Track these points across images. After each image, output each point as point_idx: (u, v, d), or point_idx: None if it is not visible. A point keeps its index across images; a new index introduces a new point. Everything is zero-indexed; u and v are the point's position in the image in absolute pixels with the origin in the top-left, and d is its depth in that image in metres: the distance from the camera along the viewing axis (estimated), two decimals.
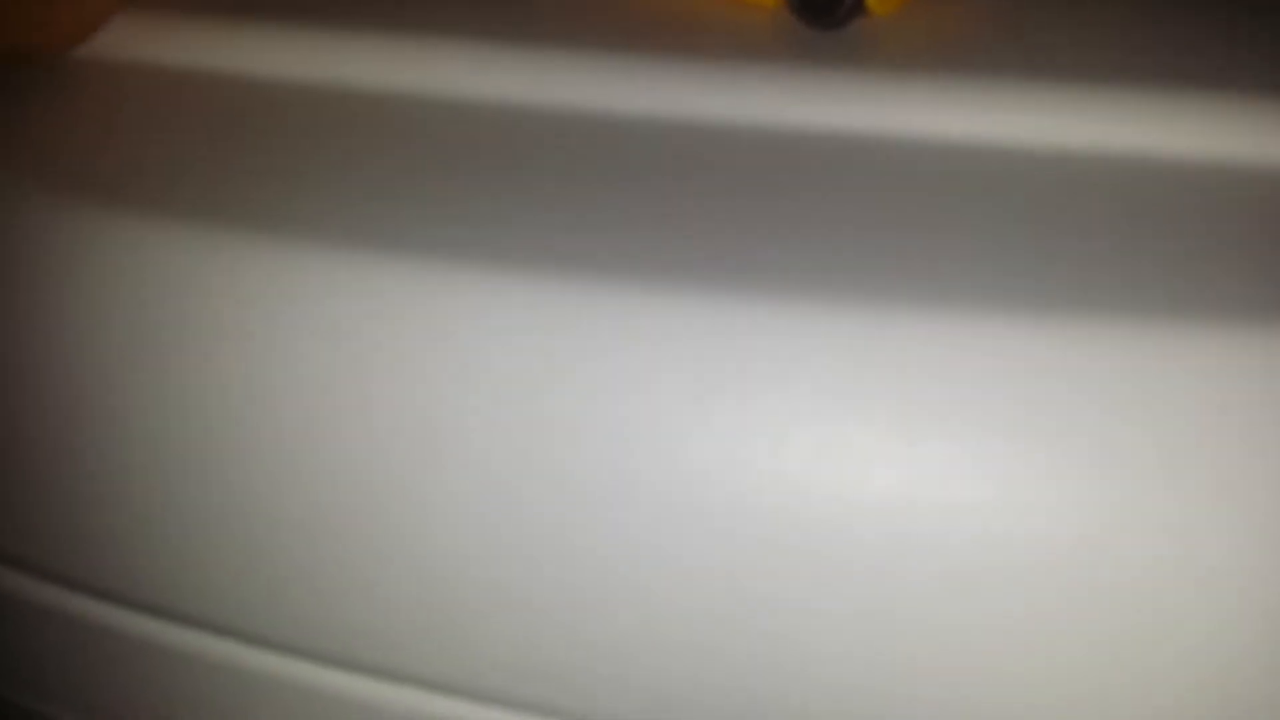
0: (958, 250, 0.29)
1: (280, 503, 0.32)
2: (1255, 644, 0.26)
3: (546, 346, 0.29)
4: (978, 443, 0.27)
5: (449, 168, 0.33)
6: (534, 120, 0.35)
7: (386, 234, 0.31)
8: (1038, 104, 0.33)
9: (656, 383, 0.28)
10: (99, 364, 0.33)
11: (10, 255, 0.34)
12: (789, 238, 0.30)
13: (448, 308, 0.30)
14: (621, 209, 0.31)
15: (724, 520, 0.28)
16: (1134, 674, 0.27)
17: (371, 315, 0.30)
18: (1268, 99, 0.33)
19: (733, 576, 0.28)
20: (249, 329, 0.31)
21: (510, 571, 0.30)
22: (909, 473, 0.27)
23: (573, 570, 0.29)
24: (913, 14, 0.39)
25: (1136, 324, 0.27)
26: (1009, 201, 0.31)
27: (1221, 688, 0.27)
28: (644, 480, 0.28)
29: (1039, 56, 0.35)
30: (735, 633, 0.29)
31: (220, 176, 0.34)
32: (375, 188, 0.33)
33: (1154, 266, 0.29)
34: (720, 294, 0.29)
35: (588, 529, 0.29)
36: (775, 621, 0.28)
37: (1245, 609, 0.26)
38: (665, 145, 0.34)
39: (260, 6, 0.40)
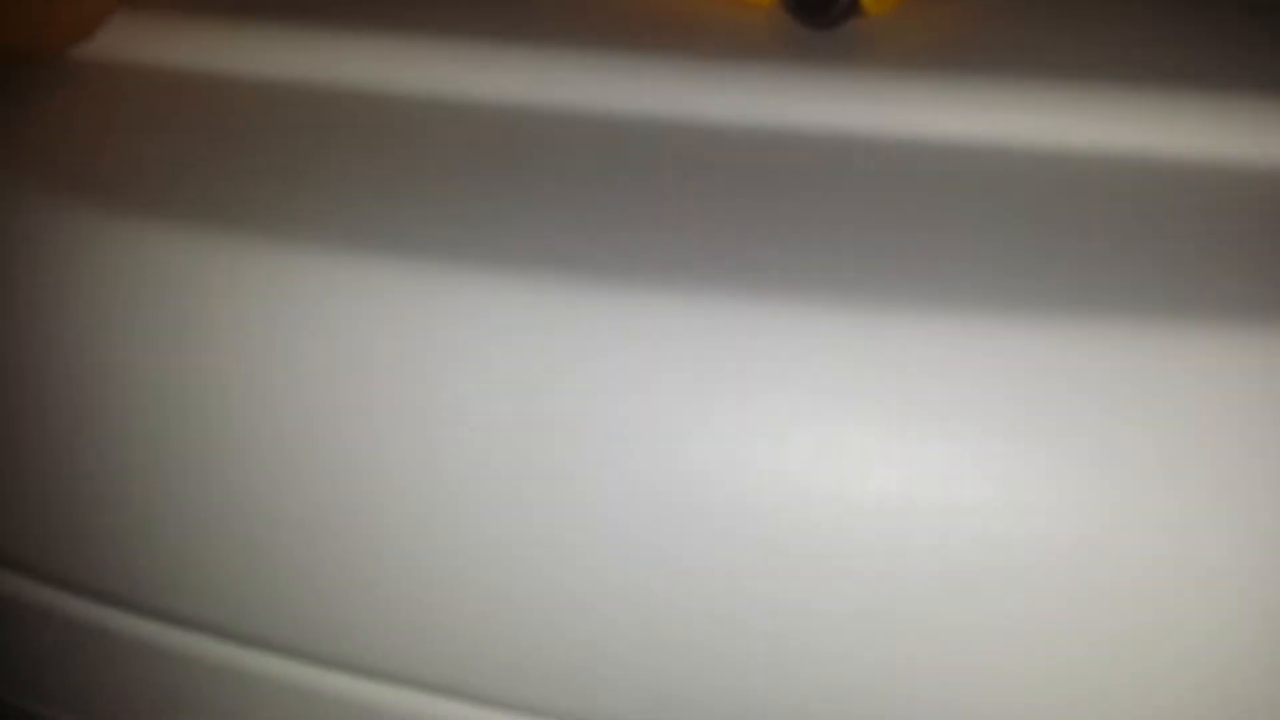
0: (956, 250, 0.29)
1: (280, 504, 0.31)
2: (1255, 644, 0.26)
3: (546, 347, 0.29)
4: (978, 443, 0.27)
5: (448, 168, 0.33)
6: (530, 120, 0.35)
7: (386, 235, 0.31)
8: (1034, 103, 0.33)
9: (656, 383, 0.28)
10: (98, 364, 0.33)
11: (10, 255, 0.34)
12: (786, 238, 0.30)
13: (447, 308, 0.30)
14: (618, 209, 0.31)
15: (724, 520, 0.28)
16: (1134, 674, 0.27)
17: (371, 316, 0.30)
18: (1267, 98, 0.33)
19: (733, 576, 0.28)
20: (249, 330, 0.31)
21: (510, 572, 0.30)
22: (909, 473, 0.27)
23: (573, 571, 0.29)
24: (908, 13, 0.39)
25: (1136, 324, 0.27)
26: (1007, 201, 0.31)
27: (1221, 688, 0.27)
28: (644, 480, 0.28)
29: (1035, 56, 0.35)
30: (735, 633, 0.29)
31: (219, 177, 0.34)
32: (375, 188, 0.33)
33: (1153, 266, 0.29)
34: (719, 294, 0.29)
35: (588, 529, 0.29)
36: (775, 621, 0.28)
37: (1245, 609, 0.26)
38: (661, 145, 0.34)
39: (259, 7, 0.40)
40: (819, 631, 0.28)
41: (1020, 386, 0.27)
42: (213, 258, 0.32)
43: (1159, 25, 0.37)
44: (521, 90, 0.36)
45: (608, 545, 0.29)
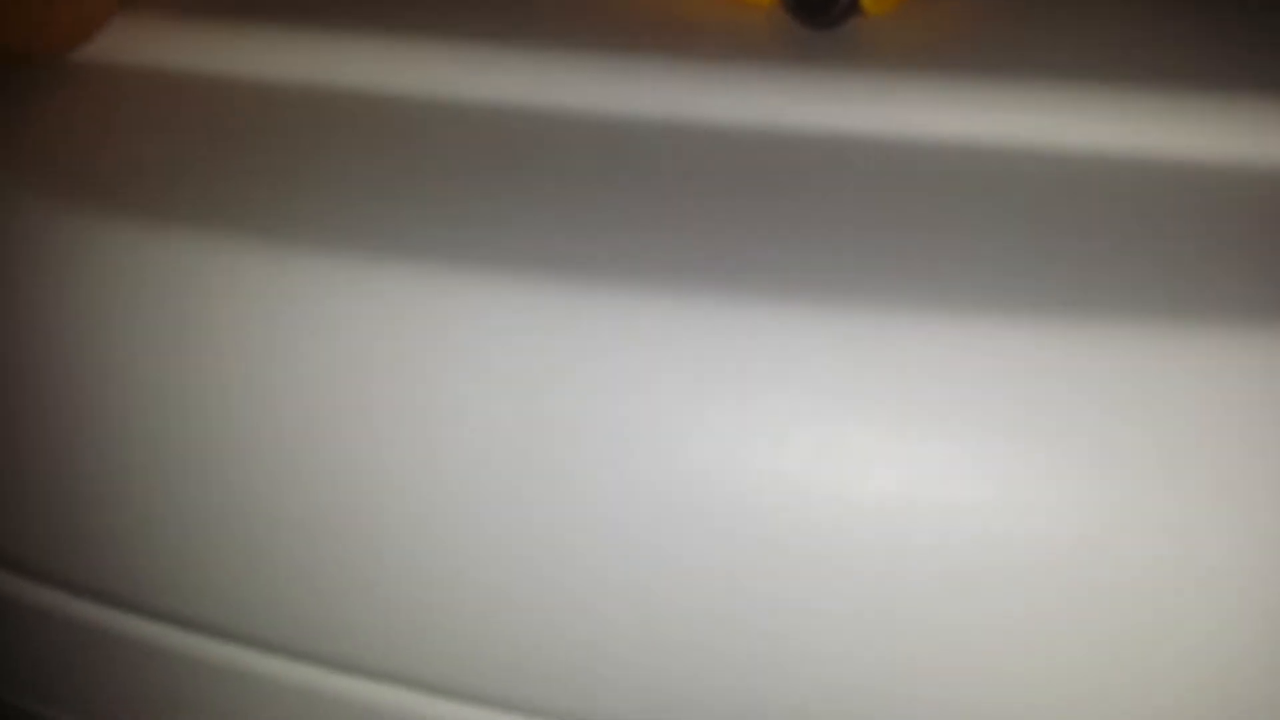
0: (956, 250, 0.29)
1: (280, 505, 0.31)
2: (1255, 644, 0.26)
3: (546, 347, 0.29)
4: (977, 443, 0.27)
5: (447, 169, 0.33)
6: (530, 121, 0.35)
7: (386, 236, 0.31)
8: (1034, 103, 0.33)
9: (656, 383, 0.28)
10: (98, 366, 0.33)
11: (9, 256, 0.34)
12: (786, 238, 0.30)
13: (447, 309, 0.30)
14: (617, 209, 0.31)
15: (724, 520, 0.28)
16: (1134, 674, 0.27)
17: (371, 317, 0.30)
18: (1267, 98, 0.33)
19: (732, 576, 0.28)
20: (249, 330, 0.31)
21: (510, 572, 0.30)
22: (909, 473, 0.27)
23: (572, 570, 0.29)
24: (908, 13, 0.39)
25: (1136, 324, 0.27)
26: (1007, 201, 0.31)
27: (1221, 688, 0.27)
28: (644, 480, 0.28)
29: (1035, 55, 0.35)
30: (735, 633, 0.29)
31: (219, 178, 0.34)
32: (374, 190, 0.33)
33: (1153, 266, 0.29)
34: (719, 294, 0.29)
35: (587, 529, 0.29)
36: (775, 621, 0.28)
37: (1245, 609, 0.26)
38: (660, 145, 0.34)
39: (259, 9, 0.40)
40: (819, 631, 0.28)
41: (1020, 387, 0.27)
42: (212, 259, 0.32)
43: (1159, 25, 0.37)
44: (521, 91, 0.36)
45: (607, 545, 0.29)
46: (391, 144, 0.35)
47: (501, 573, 0.30)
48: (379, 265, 0.30)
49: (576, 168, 0.33)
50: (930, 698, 0.28)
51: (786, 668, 0.29)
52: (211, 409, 0.31)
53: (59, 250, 0.33)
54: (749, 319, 0.28)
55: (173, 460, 0.32)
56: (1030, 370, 0.27)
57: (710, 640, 0.29)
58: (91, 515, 0.34)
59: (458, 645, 0.31)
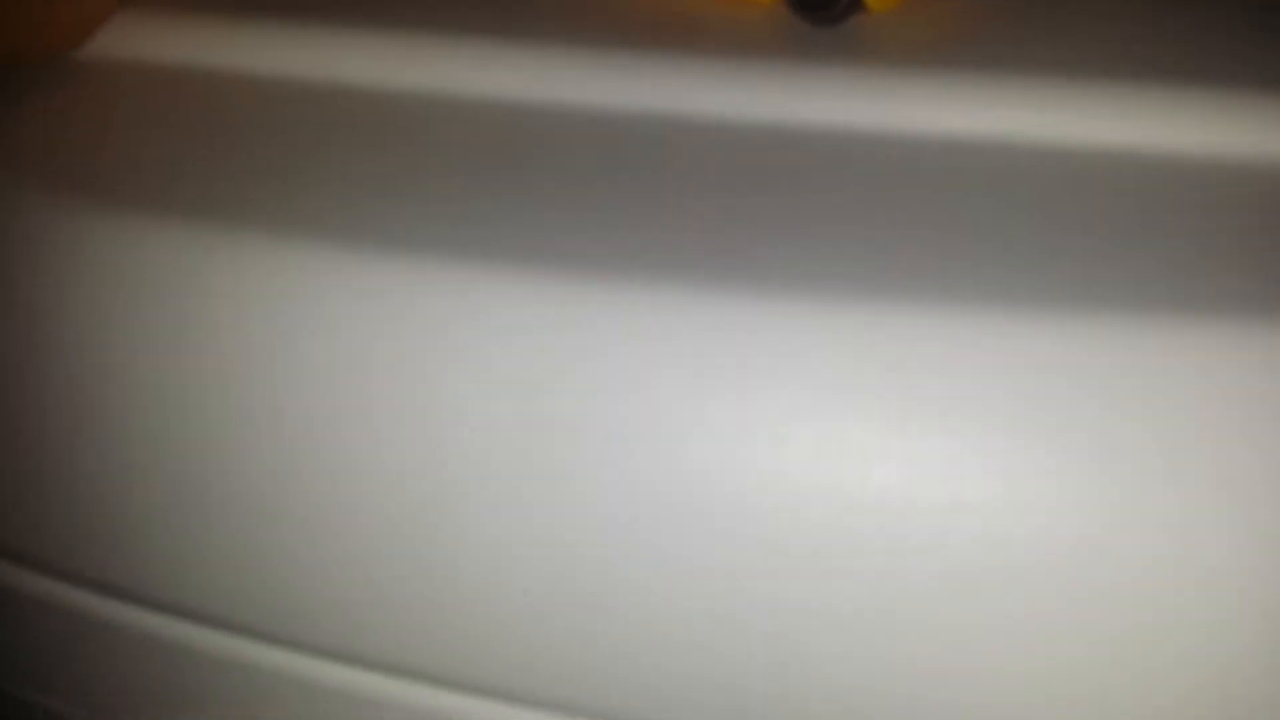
0: (958, 246, 0.29)
1: (280, 498, 0.32)
2: (1255, 644, 0.26)
3: (547, 343, 0.29)
4: (978, 439, 0.27)
5: (448, 165, 0.33)
6: (532, 117, 0.35)
7: (386, 232, 0.31)
8: (1036, 99, 0.33)
9: (657, 379, 0.28)
10: (99, 361, 0.33)
11: (10, 255, 0.34)
12: (788, 234, 0.30)
13: (448, 305, 0.30)
14: (619, 206, 0.31)
15: (724, 517, 0.28)
16: (1134, 674, 0.27)
17: (371, 313, 0.30)
18: (1268, 95, 0.32)
19: (732, 573, 0.28)
20: (249, 327, 0.31)
21: (510, 569, 0.30)
22: (909, 469, 0.27)
23: (572, 567, 0.29)
24: (910, 10, 0.38)
25: (1137, 320, 0.27)
26: (1009, 197, 0.31)
27: (1221, 688, 0.26)
28: (644, 477, 0.28)
29: (1038, 52, 0.35)
30: (735, 630, 0.29)
31: (220, 175, 0.34)
32: (375, 186, 0.33)
33: (1155, 262, 0.28)
34: (721, 290, 0.29)
35: (587, 526, 0.29)
36: (775, 619, 0.28)
37: (1245, 609, 0.26)
38: (663, 142, 0.34)
39: (259, 5, 0.40)
40: (819, 629, 0.28)
41: (1021, 382, 0.27)
42: (213, 256, 0.32)
43: (1161, 21, 0.37)
44: (522, 87, 0.36)
45: (607, 542, 0.29)
46: (392, 140, 0.35)
47: (501, 568, 0.30)
48: (379, 261, 0.30)
49: (578, 164, 0.33)
50: (930, 697, 0.28)
51: (786, 665, 0.29)
52: (212, 404, 0.31)
53: (60, 247, 0.33)
54: (750, 315, 0.28)
55: (173, 454, 0.32)
56: (1031, 366, 0.27)
57: (710, 638, 0.29)
58: (93, 508, 0.34)
59: (457, 640, 0.31)
